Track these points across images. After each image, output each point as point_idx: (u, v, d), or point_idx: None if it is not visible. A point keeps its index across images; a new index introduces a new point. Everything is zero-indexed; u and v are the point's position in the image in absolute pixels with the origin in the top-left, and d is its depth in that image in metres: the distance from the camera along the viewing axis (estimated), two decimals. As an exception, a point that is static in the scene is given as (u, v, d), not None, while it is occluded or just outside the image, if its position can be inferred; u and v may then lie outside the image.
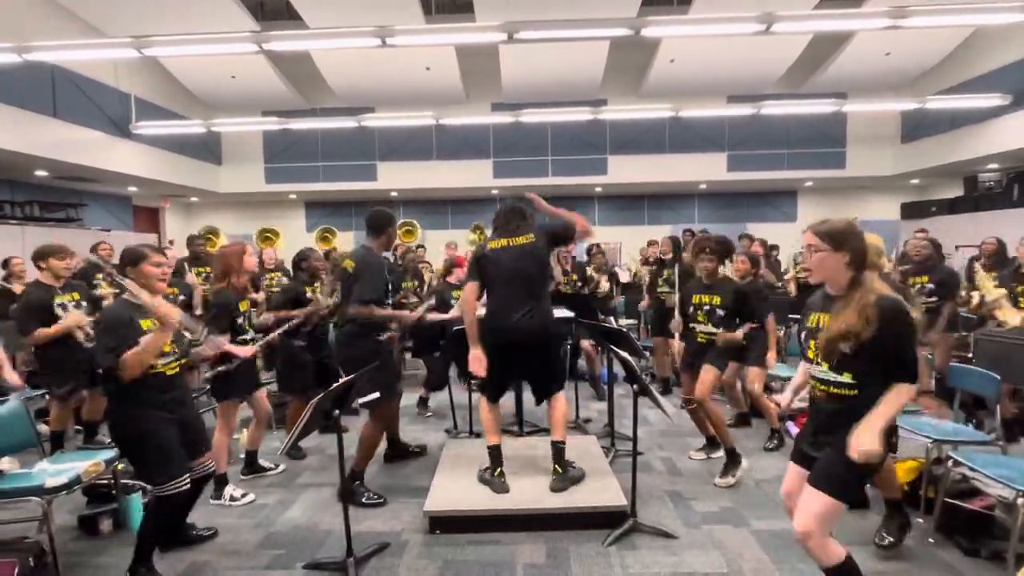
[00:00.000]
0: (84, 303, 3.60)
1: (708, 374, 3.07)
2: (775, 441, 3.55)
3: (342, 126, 8.60)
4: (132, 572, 2.19)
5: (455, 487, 2.81)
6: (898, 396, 1.55)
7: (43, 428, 4.04)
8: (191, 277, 5.16)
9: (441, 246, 9.37)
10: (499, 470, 2.75)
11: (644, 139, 9.99)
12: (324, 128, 9.73)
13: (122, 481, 2.76)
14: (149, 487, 2.78)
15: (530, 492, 2.72)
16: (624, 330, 3.26)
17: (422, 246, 9.01)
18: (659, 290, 4.84)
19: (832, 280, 1.69)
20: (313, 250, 4.21)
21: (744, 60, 8.82)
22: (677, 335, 3.80)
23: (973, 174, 9.11)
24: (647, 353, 4.99)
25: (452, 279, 4.85)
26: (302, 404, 3.65)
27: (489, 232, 2.89)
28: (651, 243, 6.47)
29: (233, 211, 12.00)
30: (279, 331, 3.28)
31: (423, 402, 4.56)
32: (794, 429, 3.78)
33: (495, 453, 2.77)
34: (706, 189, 11.26)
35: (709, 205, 11.68)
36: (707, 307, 3.16)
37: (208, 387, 3.14)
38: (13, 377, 3.04)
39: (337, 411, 2.21)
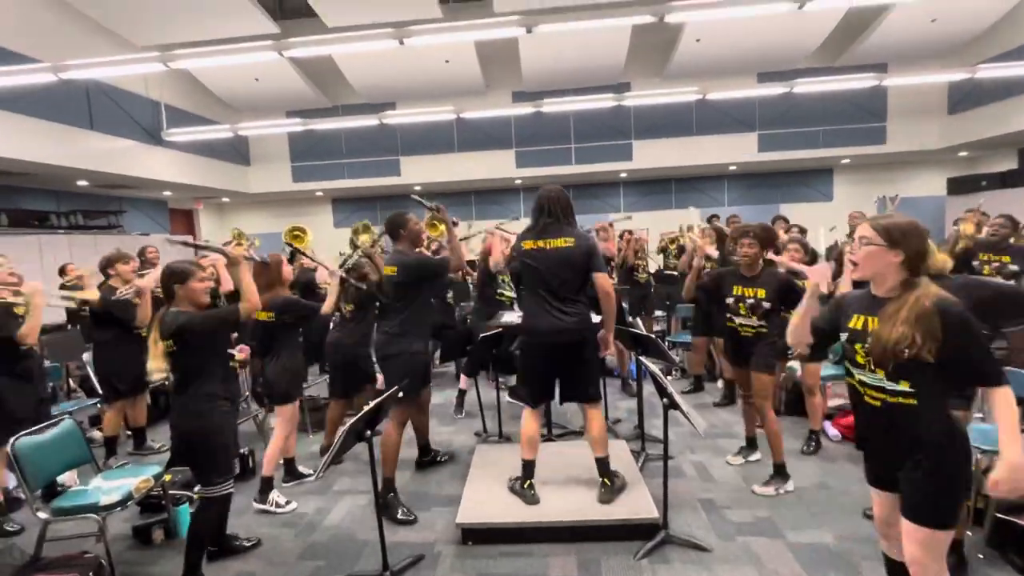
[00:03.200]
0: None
1: (761, 381, 2.93)
2: (812, 444, 3.46)
3: (364, 124, 8.63)
4: (184, 578, 2.30)
5: (486, 497, 2.84)
6: (1007, 406, 1.41)
7: (96, 434, 4.29)
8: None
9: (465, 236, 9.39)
10: (529, 482, 2.77)
11: (670, 122, 9.71)
12: (347, 127, 9.78)
13: (171, 492, 2.90)
14: (195, 495, 2.95)
15: (560, 503, 2.74)
16: (654, 336, 3.20)
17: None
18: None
19: (879, 279, 1.56)
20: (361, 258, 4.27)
21: (775, 35, 8.42)
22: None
23: (1028, 145, 8.53)
24: (676, 359, 4.90)
25: (491, 265, 4.83)
26: (340, 406, 3.76)
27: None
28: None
29: (264, 210, 12.30)
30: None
31: (460, 400, 4.55)
32: (832, 430, 3.68)
33: (528, 467, 2.78)
34: (736, 171, 10.90)
35: (740, 187, 11.31)
36: (750, 300, 2.93)
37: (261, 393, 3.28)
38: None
39: (369, 432, 2.25)
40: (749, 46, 8.72)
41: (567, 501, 2.75)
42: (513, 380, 4.72)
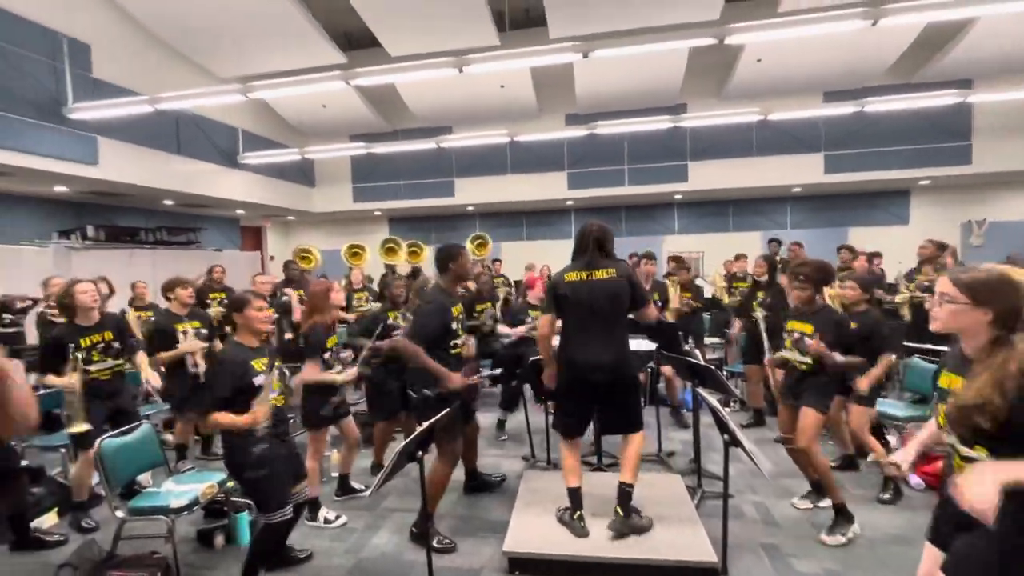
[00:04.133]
0: (204, 330, 4.00)
1: (808, 418, 2.79)
2: (890, 492, 3.16)
3: (422, 148, 8.95)
4: (241, 587, 2.38)
5: (534, 526, 2.78)
6: None
7: (168, 438, 4.57)
8: (291, 294, 5.53)
9: (516, 256, 9.47)
10: (579, 513, 2.69)
11: (728, 143, 9.45)
12: (405, 151, 10.17)
13: (232, 499, 3.03)
14: (256, 511, 3.06)
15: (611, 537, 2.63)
16: (712, 367, 3.06)
17: (498, 260, 9.13)
18: (753, 314, 4.52)
19: (966, 336, 1.44)
20: (394, 277, 4.41)
21: (844, 53, 8.06)
22: (767, 360, 3.54)
23: None
24: (736, 391, 4.66)
25: (531, 298, 4.90)
26: (388, 425, 3.84)
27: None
28: (738, 257, 6.03)
29: (325, 228, 12.93)
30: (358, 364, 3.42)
31: (501, 424, 4.60)
32: (914, 478, 3.36)
33: (575, 495, 2.71)
34: (801, 192, 10.42)
35: (804, 208, 10.79)
36: (796, 334, 2.91)
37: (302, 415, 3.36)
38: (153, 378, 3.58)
39: (421, 452, 2.27)
40: (815, 65, 8.39)
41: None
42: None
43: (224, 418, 2.23)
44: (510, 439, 4.49)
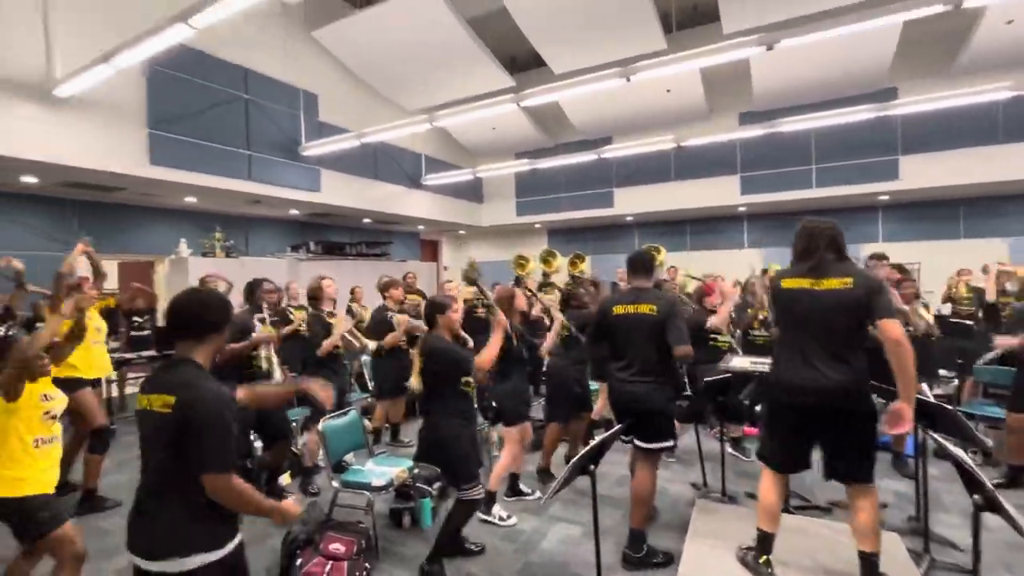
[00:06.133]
0: (411, 320, 4.60)
1: None
2: None
3: (583, 160, 9.05)
4: (429, 564, 2.64)
5: (710, 560, 2.56)
6: None
7: (367, 423, 5.30)
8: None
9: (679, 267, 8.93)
10: (766, 557, 2.40)
11: (959, 130, 7.68)
12: (565, 164, 10.40)
13: (418, 485, 3.38)
14: (436, 493, 3.37)
15: (806, 593, 2.29)
16: (950, 408, 2.48)
17: (673, 267, 8.71)
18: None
19: None
20: (581, 285, 4.51)
21: None
22: None
23: None
24: (988, 441, 3.69)
25: (706, 304, 4.57)
26: (559, 429, 3.91)
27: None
28: (999, 275, 4.77)
29: (492, 240, 13.86)
30: None
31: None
32: None
33: (765, 539, 2.41)
34: (1073, 185, 7.98)
35: (1078, 207, 8.24)
36: None
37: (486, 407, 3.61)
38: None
39: (593, 466, 2.25)
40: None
41: (814, 593, 2.29)
42: (737, 431, 4.25)
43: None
44: (678, 461, 4.22)
